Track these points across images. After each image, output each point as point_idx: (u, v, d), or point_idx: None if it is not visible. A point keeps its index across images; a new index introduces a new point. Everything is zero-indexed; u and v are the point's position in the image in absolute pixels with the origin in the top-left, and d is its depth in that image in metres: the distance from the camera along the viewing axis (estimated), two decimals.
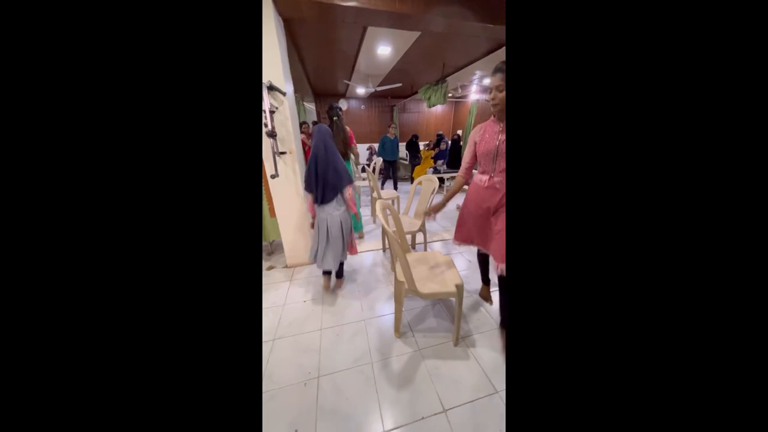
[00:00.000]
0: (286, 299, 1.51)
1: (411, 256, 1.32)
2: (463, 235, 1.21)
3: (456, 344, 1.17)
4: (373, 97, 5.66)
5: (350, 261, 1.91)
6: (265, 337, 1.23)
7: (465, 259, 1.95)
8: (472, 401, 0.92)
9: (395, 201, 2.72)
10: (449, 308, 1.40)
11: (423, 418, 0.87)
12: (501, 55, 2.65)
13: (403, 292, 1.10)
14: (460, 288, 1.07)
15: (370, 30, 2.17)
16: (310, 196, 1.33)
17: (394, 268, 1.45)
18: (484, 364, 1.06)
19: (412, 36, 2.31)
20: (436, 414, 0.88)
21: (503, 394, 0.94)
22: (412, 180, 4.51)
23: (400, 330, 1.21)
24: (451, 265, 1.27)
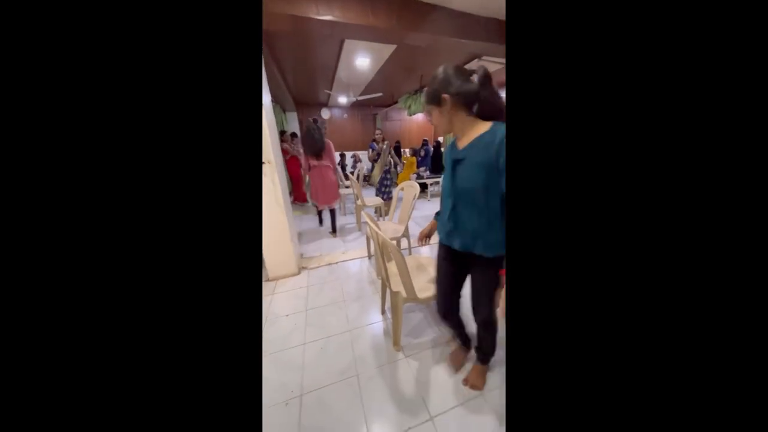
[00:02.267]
0: (267, 315, 1.45)
1: (393, 265, 1.33)
2: None
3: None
4: (355, 106, 5.73)
5: (334, 269, 1.88)
6: None
7: None
8: (457, 406, 0.91)
9: (380, 208, 2.74)
10: (432, 312, 1.41)
11: (410, 428, 0.85)
12: (473, 66, 2.80)
13: (401, 302, 1.08)
14: None
15: (348, 42, 2.22)
16: None
17: (382, 276, 1.44)
18: (469, 366, 1.07)
19: (389, 48, 2.39)
20: (423, 423, 0.87)
21: (488, 395, 0.95)
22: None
23: (399, 343, 1.17)
24: (433, 263, 1.29)
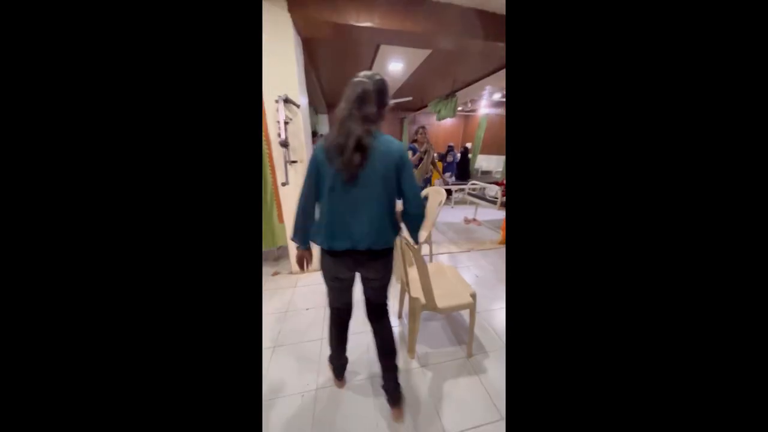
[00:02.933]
0: (288, 306, 1.51)
1: (414, 271, 1.31)
2: None
3: (470, 356, 1.14)
4: None
5: None
6: (266, 344, 1.22)
7: (472, 273, 1.90)
8: (475, 427, 0.86)
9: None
10: (452, 324, 1.36)
11: None
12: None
13: (419, 309, 1.06)
14: (474, 297, 1.08)
15: (383, 47, 2.26)
16: None
17: (401, 280, 1.43)
18: (489, 386, 1.01)
19: (424, 53, 2.39)
20: None
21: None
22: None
23: (414, 350, 1.15)
24: (458, 275, 1.24)
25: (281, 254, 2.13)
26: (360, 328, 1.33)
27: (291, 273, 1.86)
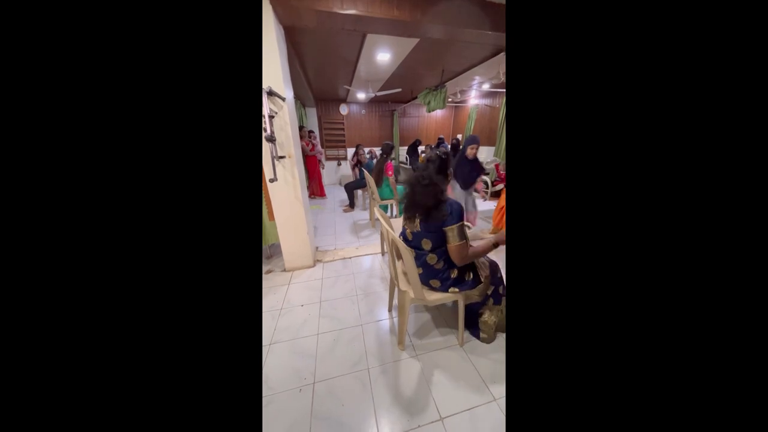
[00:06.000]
0: (283, 303, 1.51)
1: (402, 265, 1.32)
2: None
3: (461, 344, 1.17)
4: (373, 102, 5.72)
5: (348, 264, 1.91)
6: (263, 341, 1.22)
7: None
8: (469, 409, 0.90)
9: (391, 206, 2.73)
10: (444, 313, 1.39)
11: (419, 426, 0.85)
12: (499, 60, 2.67)
13: (408, 302, 1.08)
14: None
15: (370, 37, 2.20)
16: None
17: (391, 274, 1.45)
18: (481, 370, 1.05)
19: (411, 42, 2.34)
20: (432, 422, 0.86)
21: (501, 402, 0.92)
22: None
23: (404, 342, 1.17)
24: None
25: (273, 252, 2.11)
26: (358, 321, 1.35)
27: (284, 270, 1.84)
